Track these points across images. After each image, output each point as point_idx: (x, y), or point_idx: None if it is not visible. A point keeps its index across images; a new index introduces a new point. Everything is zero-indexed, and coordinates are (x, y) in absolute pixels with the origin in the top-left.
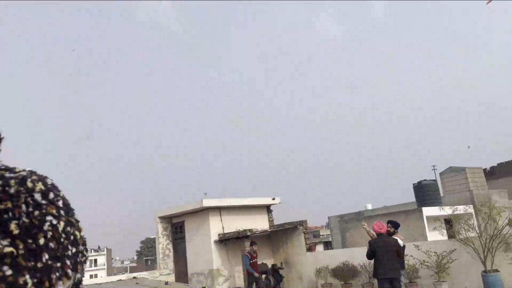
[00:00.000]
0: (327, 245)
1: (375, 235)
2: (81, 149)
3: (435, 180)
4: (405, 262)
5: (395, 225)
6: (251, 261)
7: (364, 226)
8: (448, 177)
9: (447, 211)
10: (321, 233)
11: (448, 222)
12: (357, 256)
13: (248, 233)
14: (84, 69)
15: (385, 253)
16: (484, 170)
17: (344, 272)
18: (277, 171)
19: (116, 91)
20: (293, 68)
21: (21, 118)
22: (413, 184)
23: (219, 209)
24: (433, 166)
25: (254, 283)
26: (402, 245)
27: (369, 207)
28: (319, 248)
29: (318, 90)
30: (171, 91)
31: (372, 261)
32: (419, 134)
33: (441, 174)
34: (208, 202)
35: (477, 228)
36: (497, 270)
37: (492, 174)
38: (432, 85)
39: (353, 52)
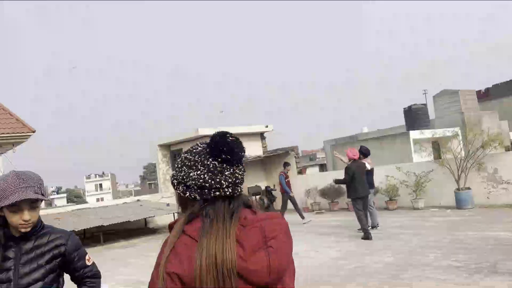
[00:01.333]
0: (322, 167)
1: (348, 161)
2: (80, 78)
3: (425, 105)
4: (387, 182)
5: (365, 151)
6: (286, 180)
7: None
8: (441, 100)
9: (426, 134)
10: (317, 156)
11: (436, 144)
12: (342, 177)
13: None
14: None
15: (359, 176)
16: (479, 92)
17: (331, 192)
18: (276, 98)
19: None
20: None
21: None
22: (404, 108)
23: None
24: (424, 90)
25: (288, 200)
26: (369, 168)
27: (365, 130)
28: (315, 170)
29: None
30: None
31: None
32: (416, 58)
33: (434, 97)
34: (203, 131)
35: (453, 150)
36: (469, 188)
37: (486, 96)
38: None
39: None
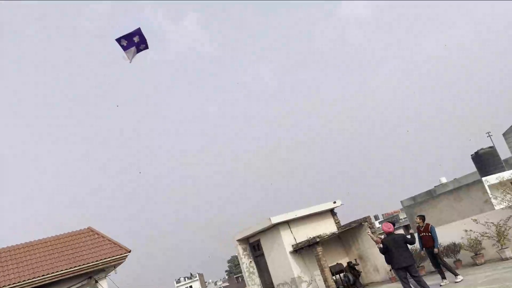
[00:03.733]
0: (407, 228)
1: (378, 239)
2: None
3: (492, 147)
4: (467, 237)
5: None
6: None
7: (369, 234)
8: None
9: (506, 176)
10: (400, 217)
11: None
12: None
13: (318, 239)
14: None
15: (395, 248)
16: None
17: (415, 257)
18: (342, 169)
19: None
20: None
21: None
22: (471, 155)
23: (287, 223)
24: (488, 132)
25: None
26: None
27: (444, 180)
28: (401, 232)
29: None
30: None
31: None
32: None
33: (504, 134)
34: (276, 219)
35: None
36: None
37: None
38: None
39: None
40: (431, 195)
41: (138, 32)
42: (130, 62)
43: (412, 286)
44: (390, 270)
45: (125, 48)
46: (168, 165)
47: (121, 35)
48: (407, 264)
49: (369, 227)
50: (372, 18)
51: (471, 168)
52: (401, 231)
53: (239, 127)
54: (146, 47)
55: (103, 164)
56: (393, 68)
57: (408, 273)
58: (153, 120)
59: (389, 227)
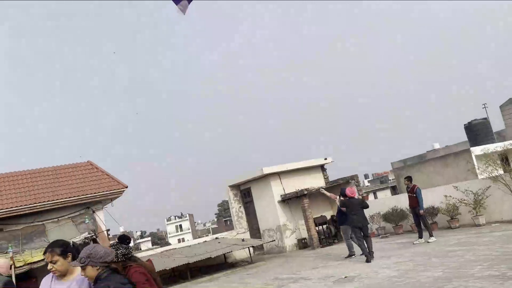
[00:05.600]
0: (395, 189)
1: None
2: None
3: (485, 119)
4: (446, 202)
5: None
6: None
7: (323, 191)
8: (509, 109)
9: (491, 149)
10: (389, 178)
11: (505, 158)
12: (404, 200)
13: (305, 192)
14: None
15: (355, 210)
16: None
17: (394, 216)
18: (337, 126)
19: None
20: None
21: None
22: (464, 124)
23: (278, 174)
24: (484, 104)
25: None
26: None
27: (437, 146)
28: (387, 193)
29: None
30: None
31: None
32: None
33: (501, 107)
34: (268, 169)
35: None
36: None
37: None
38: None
39: None
40: (421, 159)
41: None
42: (184, 14)
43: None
44: (339, 229)
45: (177, 2)
46: (169, 104)
47: None
48: (363, 224)
49: (355, 184)
50: None
51: (460, 137)
52: (388, 192)
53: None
54: None
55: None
56: (398, 27)
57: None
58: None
59: (352, 191)
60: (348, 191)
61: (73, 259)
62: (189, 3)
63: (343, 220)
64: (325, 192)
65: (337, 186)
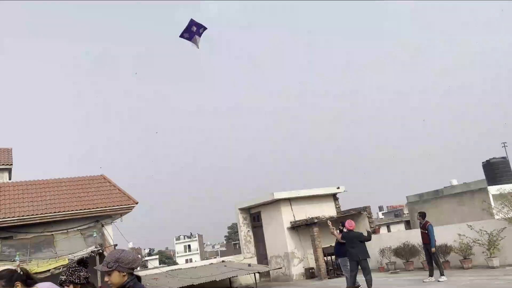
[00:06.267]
0: (408, 224)
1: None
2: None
3: (505, 157)
4: (460, 241)
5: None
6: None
7: (329, 225)
8: None
9: (507, 189)
10: (404, 212)
11: None
12: (416, 236)
13: (316, 220)
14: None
15: (354, 242)
16: None
17: (405, 252)
18: (353, 155)
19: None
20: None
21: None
22: (482, 162)
23: (289, 200)
24: (503, 143)
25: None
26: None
27: (454, 182)
28: (401, 227)
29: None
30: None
31: None
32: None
33: None
34: (279, 195)
35: None
36: None
37: None
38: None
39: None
40: (437, 195)
41: (192, 23)
42: (199, 48)
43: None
44: (337, 260)
45: (190, 39)
46: (182, 124)
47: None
48: (362, 257)
49: (367, 216)
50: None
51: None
52: (402, 226)
53: (253, 98)
54: (205, 28)
55: (121, 117)
56: (416, 60)
57: (359, 266)
58: (170, 86)
59: (350, 224)
60: (346, 223)
61: (26, 285)
62: (200, 36)
63: (341, 252)
64: (330, 225)
65: (349, 217)
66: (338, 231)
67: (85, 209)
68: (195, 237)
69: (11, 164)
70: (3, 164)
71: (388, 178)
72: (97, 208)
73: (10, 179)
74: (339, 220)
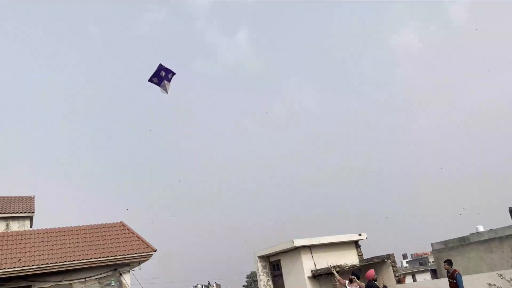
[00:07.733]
0: (435, 272)
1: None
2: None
3: None
4: None
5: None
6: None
7: (335, 275)
8: None
9: None
10: (430, 260)
11: None
12: (444, 286)
13: (337, 269)
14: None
15: None
16: None
17: None
18: (376, 200)
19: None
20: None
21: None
22: (509, 208)
23: (309, 247)
24: None
25: None
26: None
27: (480, 229)
28: (427, 276)
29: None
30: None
31: None
32: None
33: None
34: (299, 242)
35: None
36: None
37: None
38: None
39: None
40: (463, 242)
41: (161, 67)
42: (168, 93)
43: None
44: None
45: (159, 84)
46: (204, 173)
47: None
48: None
49: (391, 265)
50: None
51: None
52: (428, 275)
53: (277, 145)
54: (174, 74)
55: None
56: (440, 107)
57: None
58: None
59: (370, 274)
60: (367, 274)
61: None
62: (169, 81)
63: None
64: (336, 275)
65: (372, 265)
66: (348, 281)
67: (103, 257)
68: (213, 286)
69: (33, 212)
70: (25, 212)
71: (411, 223)
72: (116, 256)
73: (31, 226)
74: (363, 269)
